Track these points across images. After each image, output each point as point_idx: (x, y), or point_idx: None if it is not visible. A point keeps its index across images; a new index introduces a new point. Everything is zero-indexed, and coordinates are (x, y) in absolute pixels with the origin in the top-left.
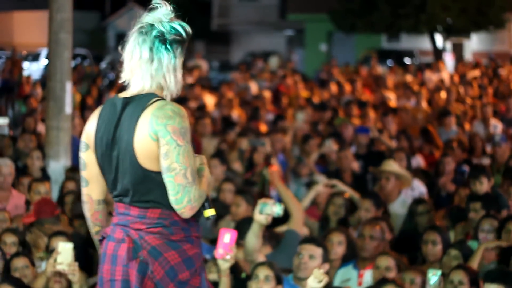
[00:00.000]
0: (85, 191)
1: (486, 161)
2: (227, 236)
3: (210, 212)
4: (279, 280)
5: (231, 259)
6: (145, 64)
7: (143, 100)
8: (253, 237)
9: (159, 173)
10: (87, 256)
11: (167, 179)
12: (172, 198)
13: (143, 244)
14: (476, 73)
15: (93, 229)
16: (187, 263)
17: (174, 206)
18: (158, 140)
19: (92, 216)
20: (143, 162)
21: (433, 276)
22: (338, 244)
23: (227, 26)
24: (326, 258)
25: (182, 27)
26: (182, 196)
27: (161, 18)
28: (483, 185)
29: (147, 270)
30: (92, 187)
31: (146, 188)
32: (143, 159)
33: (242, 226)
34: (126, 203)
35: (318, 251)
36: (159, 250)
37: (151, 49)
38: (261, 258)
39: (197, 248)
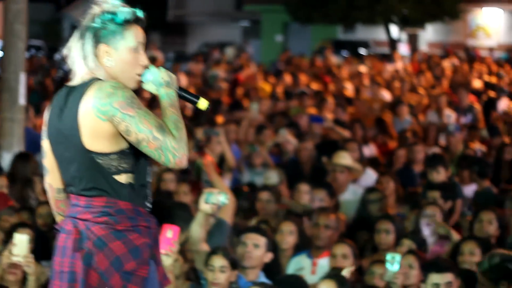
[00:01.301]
0: (46, 179)
1: (437, 150)
2: (169, 232)
3: (202, 103)
4: (234, 266)
5: (174, 254)
6: (77, 54)
7: (82, 86)
8: (198, 227)
9: (105, 155)
10: (48, 247)
11: (144, 150)
12: (161, 162)
13: (89, 235)
14: (449, 62)
15: (57, 217)
16: (134, 253)
17: (168, 166)
18: (111, 120)
19: (54, 205)
20: (90, 144)
21: (392, 260)
22: (289, 234)
23: (183, 17)
24: (270, 247)
25: (124, 12)
26: (166, 156)
27: (106, 8)
28: (440, 174)
29: (92, 261)
30: (52, 175)
31: (91, 175)
32: (90, 141)
33: (174, 211)
34: (74, 193)
35: (262, 240)
36: (105, 240)
37: (85, 39)
38: (205, 247)
39: (146, 238)
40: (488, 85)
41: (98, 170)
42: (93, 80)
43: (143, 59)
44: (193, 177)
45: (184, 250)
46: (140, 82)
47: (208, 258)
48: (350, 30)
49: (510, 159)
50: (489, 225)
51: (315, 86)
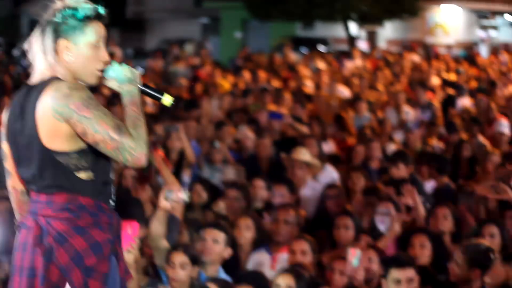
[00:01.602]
0: (9, 182)
1: (393, 146)
2: (129, 228)
3: (166, 99)
4: (194, 262)
5: (135, 250)
6: (37, 49)
7: (41, 85)
8: (158, 224)
9: (65, 154)
10: None
11: (102, 151)
12: (119, 162)
13: (49, 230)
14: (415, 57)
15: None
16: (94, 248)
17: (127, 165)
18: (68, 122)
19: (18, 208)
20: (49, 143)
21: (354, 255)
22: (246, 229)
23: (142, 13)
24: (228, 243)
25: (85, 8)
26: (124, 156)
27: (68, 3)
28: (400, 170)
29: (53, 257)
30: (15, 178)
31: (52, 173)
32: (49, 140)
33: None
34: (35, 191)
35: (221, 236)
36: (65, 235)
37: (45, 34)
38: (165, 243)
39: (108, 233)
40: (446, 83)
41: (58, 168)
42: (51, 79)
43: (104, 55)
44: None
45: (141, 246)
46: (102, 78)
47: (169, 255)
48: (309, 27)
49: (468, 155)
50: (444, 220)
51: (275, 83)
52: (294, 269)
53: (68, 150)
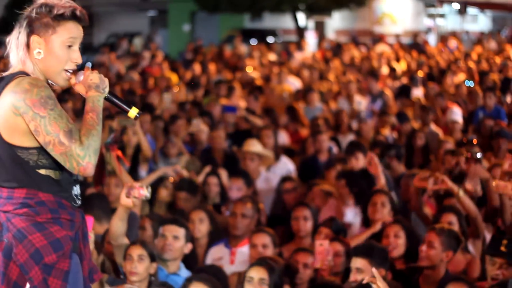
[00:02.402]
0: None
1: (351, 137)
2: None
3: (132, 112)
4: (152, 258)
5: (90, 244)
6: (13, 43)
7: (7, 78)
8: (119, 221)
9: (24, 149)
10: None
11: (51, 153)
12: (66, 167)
13: (9, 227)
14: (385, 48)
15: None
16: (54, 245)
17: (74, 172)
18: (23, 117)
19: None
20: (8, 138)
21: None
22: (199, 222)
23: (89, 7)
24: (189, 238)
25: (60, 7)
26: (70, 163)
27: (45, 1)
28: (359, 161)
29: (12, 254)
30: None
31: (12, 167)
32: (8, 135)
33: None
34: None
35: (181, 231)
36: (24, 232)
37: (18, 29)
38: (126, 241)
39: (68, 230)
40: (393, 71)
41: (18, 162)
42: (17, 74)
43: (76, 57)
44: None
45: (97, 242)
46: (70, 81)
47: (127, 249)
48: (257, 18)
49: (421, 144)
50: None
51: (226, 75)
52: (266, 262)
53: (27, 145)
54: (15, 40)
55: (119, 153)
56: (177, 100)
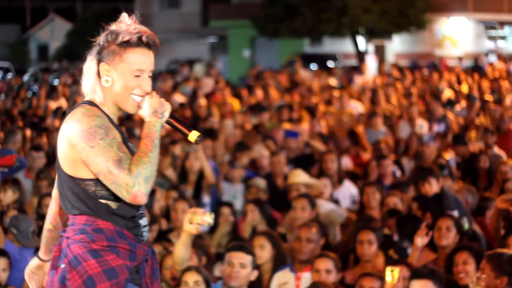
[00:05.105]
0: (55, 190)
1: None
2: None
3: (192, 136)
4: (207, 284)
5: None
6: (85, 71)
7: (71, 108)
8: (182, 247)
9: (81, 180)
10: None
11: (104, 183)
12: (120, 197)
13: (67, 253)
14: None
15: (47, 225)
16: (108, 273)
17: (126, 201)
18: (75, 147)
19: (52, 215)
20: (67, 169)
21: (391, 273)
22: (260, 248)
23: None
24: (255, 265)
25: (126, 33)
26: (121, 192)
27: (115, 27)
28: (432, 186)
29: (65, 280)
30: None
31: (74, 194)
32: (66, 166)
33: None
34: (66, 211)
35: (248, 259)
36: (80, 259)
37: (89, 57)
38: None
39: (126, 260)
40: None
41: (78, 190)
42: (81, 103)
43: (145, 84)
44: None
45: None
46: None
47: (181, 276)
48: (317, 43)
49: (485, 167)
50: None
51: (287, 100)
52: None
53: (84, 177)
54: (87, 68)
55: None
56: (240, 125)
